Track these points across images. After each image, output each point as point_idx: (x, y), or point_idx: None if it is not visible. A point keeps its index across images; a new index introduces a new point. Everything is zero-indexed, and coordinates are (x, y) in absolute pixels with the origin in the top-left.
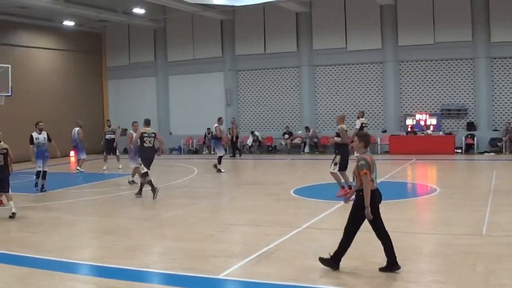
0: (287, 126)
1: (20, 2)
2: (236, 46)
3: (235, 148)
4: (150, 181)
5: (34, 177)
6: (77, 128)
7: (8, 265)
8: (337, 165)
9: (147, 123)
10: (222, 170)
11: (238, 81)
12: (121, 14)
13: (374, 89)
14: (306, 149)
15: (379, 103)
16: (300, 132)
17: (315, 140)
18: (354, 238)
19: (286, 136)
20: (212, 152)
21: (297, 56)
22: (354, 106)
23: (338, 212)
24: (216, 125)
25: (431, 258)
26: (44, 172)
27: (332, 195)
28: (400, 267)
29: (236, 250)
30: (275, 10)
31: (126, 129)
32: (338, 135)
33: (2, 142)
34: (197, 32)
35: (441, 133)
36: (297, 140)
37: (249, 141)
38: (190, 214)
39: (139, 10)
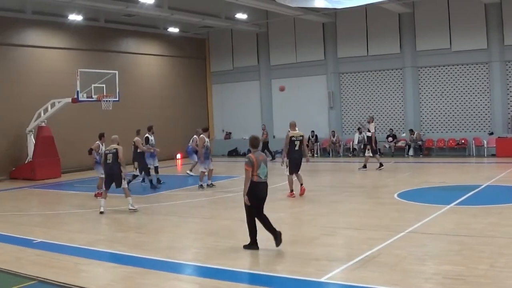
0: (391, 129)
1: (127, 10)
2: (339, 49)
3: (269, 152)
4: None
5: (141, 178)
6: (195, 136)
7: (115, 264)
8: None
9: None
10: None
11: (341, 83)
12: (224, 19)
13: (480, 90)
14: (411, 152)
15: (485, 105)
16: (404, 135)
17: (420, 143)
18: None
19: (390, 139)
20: (316, 155)
21: (401, 57)
22: (459, 108)
23: (444, 217)
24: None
25: None
26: (156, 167)
27: (438, 199)
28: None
29: (339, 254)
30: (377, 12)
31: (230, 133)
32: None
33: (115, 144)
34: (299, 35)
35: None
36: (401, 143)
37: (356, 140)
38: (293, 216)
39: (241, 15)
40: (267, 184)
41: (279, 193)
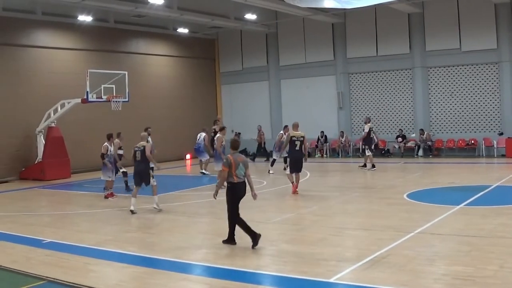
0: (400, 129)
1: (136, 11)
2: (348, 49)
3: (265, 153)
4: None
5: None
6: (204, 134)
7: (124, 264)
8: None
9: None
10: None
11: (350, 84)
12: (234, 20)
13: (489, 90)
14: (420, 153)
15: (495, 105)
16: (413, 135)
17: (429, 143)
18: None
19: (400, 139)
20: (325, 156)
21: (410, 58)
22: (469, 108)
23: (453, 217)
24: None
25: None
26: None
27: (448, 200)
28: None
29: (348, 254)
30: (387, 12)
31: (239, 133)
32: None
33: (144, 142)
34: (308, 35)
35: None
36: (410, 143)
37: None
38: (302, 217)
39: (251, 16)
40: (245, 183)
41: (286, 195)
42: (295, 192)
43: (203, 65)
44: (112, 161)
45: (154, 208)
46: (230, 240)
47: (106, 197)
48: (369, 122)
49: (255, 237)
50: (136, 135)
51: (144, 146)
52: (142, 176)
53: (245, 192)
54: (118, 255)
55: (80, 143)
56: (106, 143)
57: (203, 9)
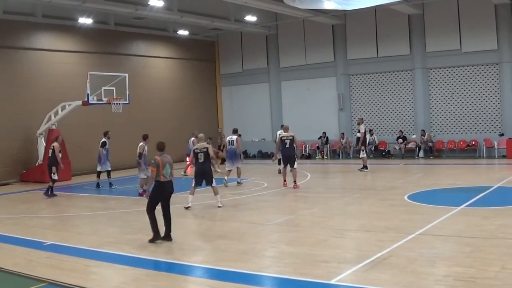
0: (400, 131)
1: (136, 13)
2: (348, 51)
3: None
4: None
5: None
6: (193, 138)
7: (125, 266)
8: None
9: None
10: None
11: (351, 85)
12: (234, 22)
13: (490, 91)
14: (421, 154)
15: (496, 106)
16: (414, 136)
17: (430, 144)
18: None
19: (400, 140)
20: (326, 157)
21: (410, 59)
22: (470, 109)
23: (454, 218)
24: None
25: None
26: (109, 171)
27: (448, 201)
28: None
29: (348, 256)
30: (387, 13)
31: (240, 135)
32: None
33: (205, 143)
34: (308, 37)
35: None
36: (411, 145)
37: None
38: (303, 218)
39: (251, 18)
40: (171, 182)
41: (289, 195)
42: (285, 185)
43: (203, 67)
44: (145, 161)
45: (219, 206)
46: (156, 235)
47: (141, 194)
48: (362, 123)
49: (156, 237)
50: (137, 136)
51: (206, 148)
52: (206, 176)
53: (171, 191)
54: (119, 257)
55: (81, 145)
56: (142, 143)
57: (203, 11)
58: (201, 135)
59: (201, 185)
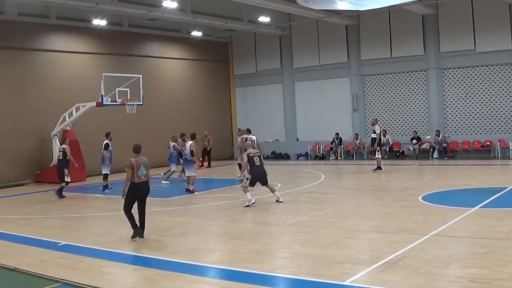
0: (415, 131)
1: (150, 15)
2: (362, 51)
3: (209, 158)
4: None
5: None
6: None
7: (138, 266)
8: None
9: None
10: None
11: (364, 86)
12: (247, 22)
13: (505, 91)
14: (435, 155)
15: (510, 106)
16: (428, 137)
17: (444, 145)
18: None
19: (414, 141)
20: (339, 158)
21: (424, 59)
22: (484, 109)
23: (469, 219)
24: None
25: None
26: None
27: (463, 202)
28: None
29: (362, 257)
30: (401, 13)
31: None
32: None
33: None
34: (322, 38)
35: None
36: (425, 145)
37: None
38: (317, 219)
39: (264, 19)
40: (147, 182)
41: (302, 196)
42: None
43: (217, 68)
44: (190, 158)
45: (279, 201)
46: (135, 232)
47: (192, 191)
48: (376, 123)
49: (135, 234)
50: (151, 138)
51: (259, 153)
52: (263, 178)
53: (147, 191)
54: (132, 257)
55: (95, 146)
56: (192, 142)
57: (217, 12)
58: (248, 142)
59: (254, 186)
